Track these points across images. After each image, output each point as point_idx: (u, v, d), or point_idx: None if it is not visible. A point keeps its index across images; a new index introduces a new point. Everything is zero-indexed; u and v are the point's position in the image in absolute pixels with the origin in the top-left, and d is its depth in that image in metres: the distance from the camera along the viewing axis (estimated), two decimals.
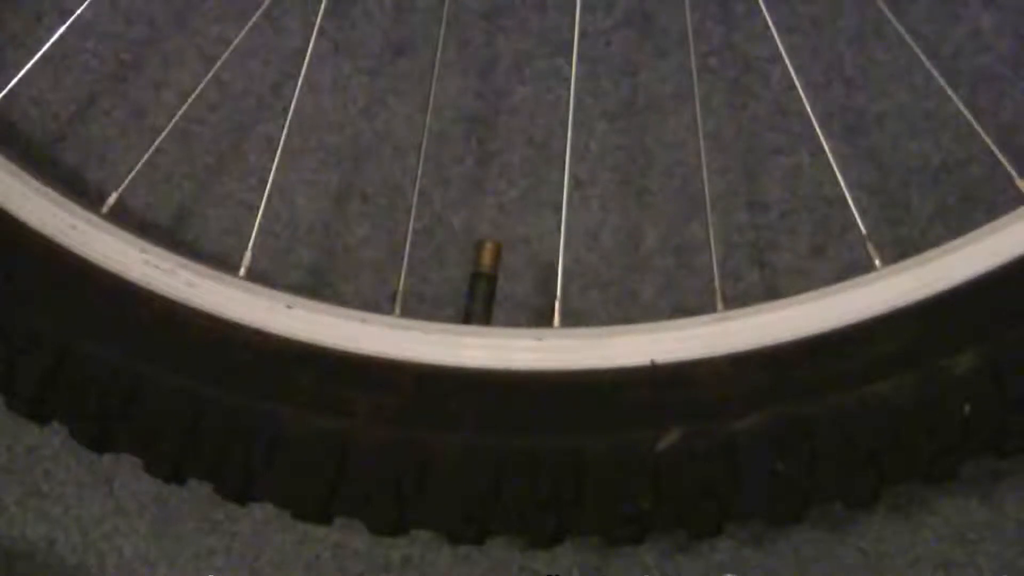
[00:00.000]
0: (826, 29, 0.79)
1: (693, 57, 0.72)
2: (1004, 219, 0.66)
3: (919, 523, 0.74)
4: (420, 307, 0.77)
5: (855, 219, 0.68)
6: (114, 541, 0.76)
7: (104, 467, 0.76)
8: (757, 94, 0.79)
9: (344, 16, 0.80)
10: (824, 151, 0.70)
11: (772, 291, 0.76)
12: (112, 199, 0.70)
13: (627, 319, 0.76)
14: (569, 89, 0.71)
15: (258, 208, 0.71)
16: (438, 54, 0.73)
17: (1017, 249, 0.65)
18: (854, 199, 0.69)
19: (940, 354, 0.63)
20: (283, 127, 0.71)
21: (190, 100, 0.73)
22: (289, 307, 0.67)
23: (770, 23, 0.72)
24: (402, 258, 0.70)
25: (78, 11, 0.74)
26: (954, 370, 0.63)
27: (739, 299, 0.70)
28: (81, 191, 0.77)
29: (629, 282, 0.77)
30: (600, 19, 0.80)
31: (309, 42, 0.72)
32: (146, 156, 0.72)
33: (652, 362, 0.65)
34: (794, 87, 0.71)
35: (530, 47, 0.80)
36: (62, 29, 0.74)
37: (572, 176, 0.70)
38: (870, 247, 0.67)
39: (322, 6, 0.73)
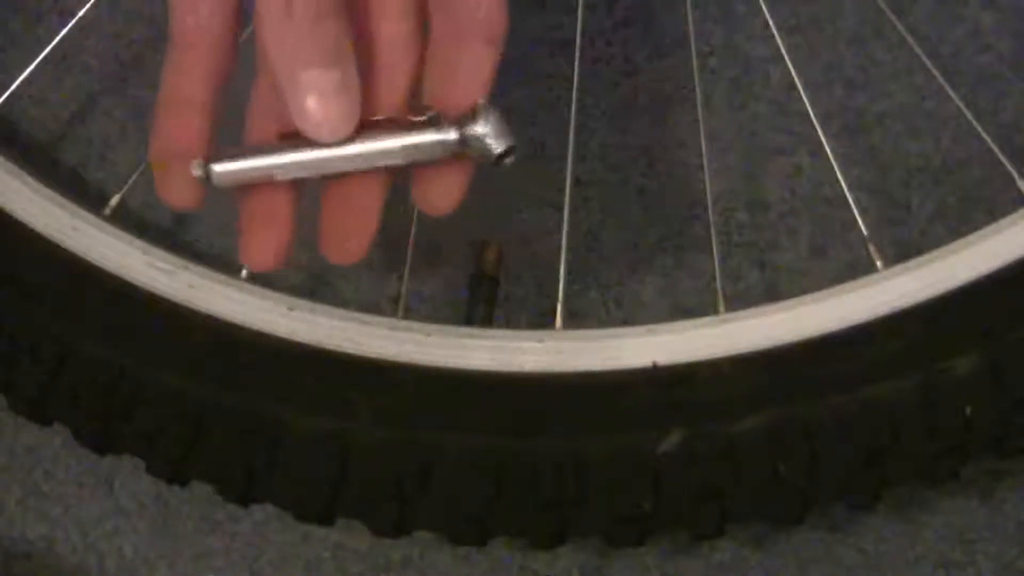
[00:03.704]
0: (826, 29, 0.79)
1: (694, 57, 0.72)
2: (1006, 220, 0.66)
3: (919, 523, 0.74)
4: (421, 308, 0.77)
5: (855, 219, 0.69)
6: (114, 541, 0.76)
7: (104, 467, 0.76)
8: (757, 94, 0.79)
9: None
10: (824, 151, 0.70)
11: (772, 291, 0.76)
12: (114, 201, 0.70)
13: (627, 320, 0.76)
14: (569, 89, 0.71)
15: None
16: None
17: (1018, 250, 0.65)
18: (854, 199, 0.69)
19: (942, 355, 0.64)
20: None
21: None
22: (290, 309, 0.67)
23: (770, 23, 0.72)
24: (403, 259, 0.70)
25: (80, 12, 0.74)
26: (956, 371, 0.63)
27: (739, 299, 0.70)
28: (82, 191, 0.77)
29: (629, 282, 0.77)
30: (600, 19, 0.80)
31: None
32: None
33: (653, 363, 0.65)
34: (794, 87, 0.71)
35: (530, 47, 0.80)
36: (64, 31, 0.74)
37: (572, 176, 0.70)
38: (871, 248, 0.67)
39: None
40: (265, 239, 0.56)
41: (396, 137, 0.54)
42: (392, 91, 0.56)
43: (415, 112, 0.55)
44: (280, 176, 0.55)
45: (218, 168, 0.54)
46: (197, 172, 0.54)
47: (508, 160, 0.55)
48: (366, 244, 0.56)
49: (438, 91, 0.56)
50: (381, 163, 0.55)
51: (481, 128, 0.55)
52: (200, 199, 0.55)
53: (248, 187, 0.56)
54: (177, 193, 0.55)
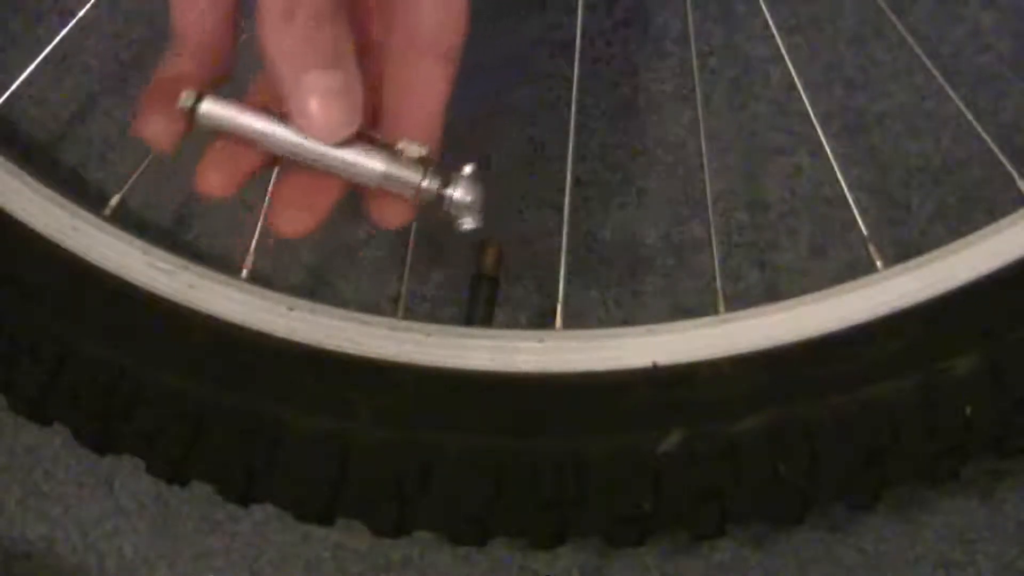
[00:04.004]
0: (826, 29, 0.79)
1: (694, 57, 0.72)
2: (1006, 220, 0.66)
3: (919, 523, 0.74)
4: (421, 308, 0.77)
5: (855, 219, 0.69)
6: (114, 541, 0.76)
7: (104, 467, 0.76)
8: (757, 94, 0.79)
9: None
10: (824, 151, 0.70)
11: (772, 291, 0.76)
12: (115, 201, 0.70)
13: (627, 320, 0.76)
14: (569, 89, 0.71)
15: (259, 209, 0.71)
16: None
17: (1018, 250, 0.65)
18: (854, 199, 0.69)
19: (942, 355, 0.64)
20: None
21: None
22: (291, 309, 0.67)
23: (770, 23, 0.72)
24: (403, 259, 0.70)
25: (80, 13, 0.74)
26: (956, 371, 0.63)
27: (739, 299, 0.70)
28: (82, 191, 0.77)
29: (629, 282, 0.77)
30: (600, 19, 0.80)
31: None
32: (149, 158, 0.72)
33: (654, 363, 0.65)
34: (794, 87, 0.71)
35: (530, 47, 0.80)
36: (64, 31, 0.74)
37: (572, 176, 0.70)
38: (871, 248, 0.67)
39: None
40: (226, 173, 0.55)
41: (381, 162, 0.54)
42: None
43: (407, 147, 0.54)
44: (258, 144, 0.54)
45: (206, 106, 0.53)
46: (186, 103, 0.53)
47: (464, 233, 0.56)
48: (319, 219, 0.55)
49: (394, 102, 0.56)
50: (354, 178, 0.54)
51: (460, 196, 0.55)
52: (175, 140, 0.54)
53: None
54: (153, 126, 0.54)
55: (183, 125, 0.54)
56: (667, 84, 0.79)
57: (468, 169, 0.55)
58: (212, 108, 0.53)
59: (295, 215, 0.55)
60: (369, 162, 0.54)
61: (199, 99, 0.53)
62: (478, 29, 0.80)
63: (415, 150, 0.54)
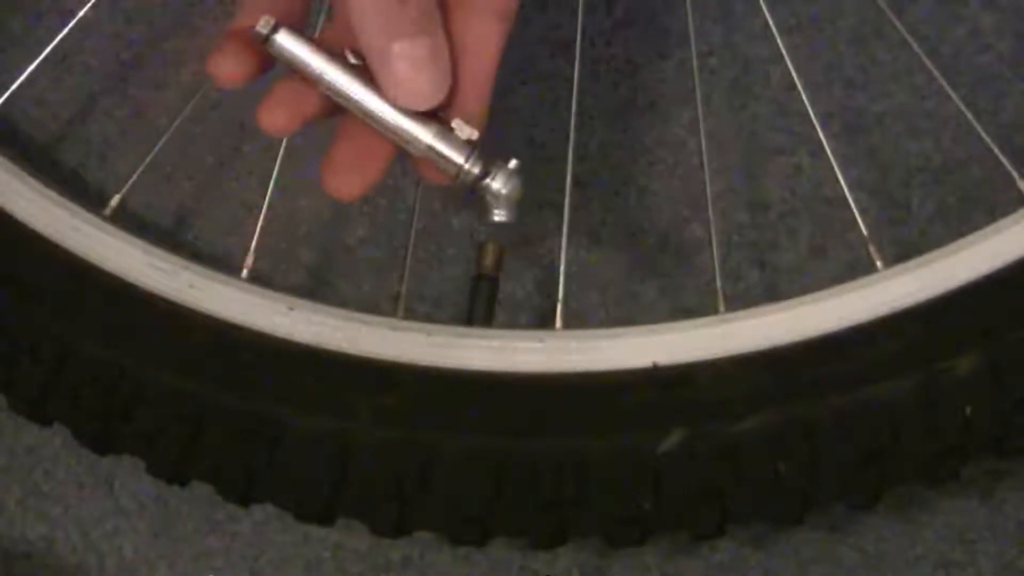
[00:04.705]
0: (826, 29, 0.79)
1: (694, 57, 0.72)
2: (1006, 220, 0.66)
3: (919, 523, 0.74)
4: (421, 308, 0.77)
5: (855, 219, 0.68)
6: (114, 541, 0.76)
7: (104, 467, 0.76)
8: (757, 94, 0.79)
9: None
10: (824, 151, 0.70)
11: (772, 291, 0.76)
12: (115, 201, 0.70)
13: (628, 320, 0.76)
14: (569, 89, 0.71)
15: (259, 209, 0.71)
16: None
17: (1018, 250, 0.65)
18: (854, 199, 0.69)
19: (941, 356, 0.64)
20: None
21: (193, 101, 0.73)
22: (291, 309, 0.67)
23: (770, 23, 0.72)
24: (403, 259, 0.70)
25: (80, 13, 0.74)
26: (955, 371, 0.63)
27: (739, 299, 0.70)
28: (82, 192, 0.77)
29: (629, 282, 0.77)
30: (600, 19, 0.80)
31: None
32: (148, 158, 0.72)
33: (654, 363, 0.65)
34: (794, 87, 0.71)
35: (530, 47, 0.80)
36: (64, 31, 0.74)
37: (572, 176, 0.70)
38: (871, 248, 0.67)
39: (323, 6, 0.73)
40: (291, 110, 0.55)
41: (429, 135, 0.54)
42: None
43: (459, 127, 0.54)
44: (319, 86, 0.54)
45: (281, 36, 0.53)
46: (263, 28, 0.53)
47: (494, 225, 0.56)
48: (369, 183, 0.55)
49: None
50: (401, 143, 0.55)
51: (497, 187, 0.56)
52: (242, 80, 0.54)
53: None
54: (224, 65, 0.54)
55: (251, 67, 0.54)
56: (667, 84, 0.79)
57: (512, 164, 0.56)
58: (286, 40, 0.54)
59: (346, 178, 0.55)
60: (418, 132, 0.54)
61: (275, 29, 0.54)
62: None
63: (466, 131, 0.54)
